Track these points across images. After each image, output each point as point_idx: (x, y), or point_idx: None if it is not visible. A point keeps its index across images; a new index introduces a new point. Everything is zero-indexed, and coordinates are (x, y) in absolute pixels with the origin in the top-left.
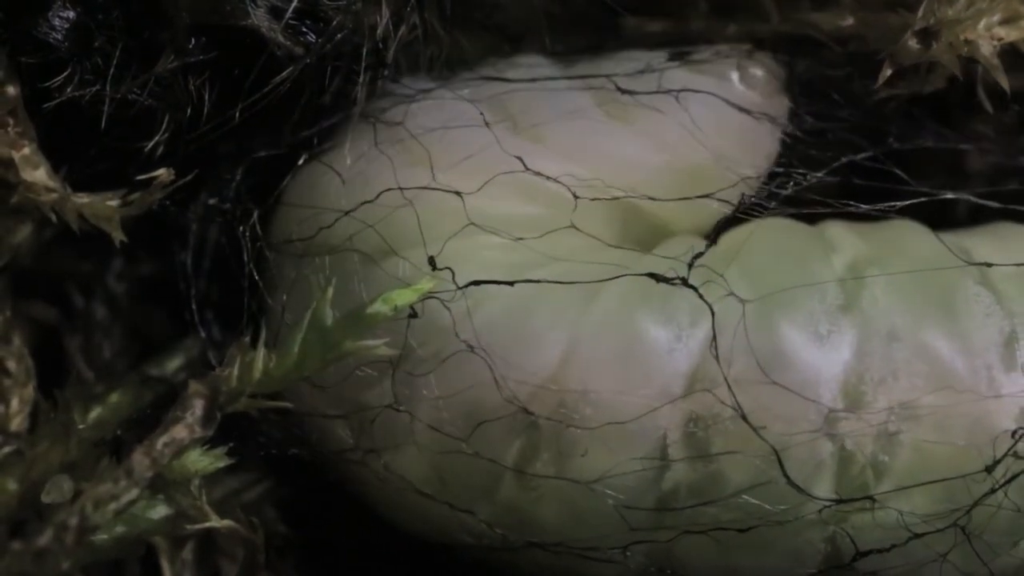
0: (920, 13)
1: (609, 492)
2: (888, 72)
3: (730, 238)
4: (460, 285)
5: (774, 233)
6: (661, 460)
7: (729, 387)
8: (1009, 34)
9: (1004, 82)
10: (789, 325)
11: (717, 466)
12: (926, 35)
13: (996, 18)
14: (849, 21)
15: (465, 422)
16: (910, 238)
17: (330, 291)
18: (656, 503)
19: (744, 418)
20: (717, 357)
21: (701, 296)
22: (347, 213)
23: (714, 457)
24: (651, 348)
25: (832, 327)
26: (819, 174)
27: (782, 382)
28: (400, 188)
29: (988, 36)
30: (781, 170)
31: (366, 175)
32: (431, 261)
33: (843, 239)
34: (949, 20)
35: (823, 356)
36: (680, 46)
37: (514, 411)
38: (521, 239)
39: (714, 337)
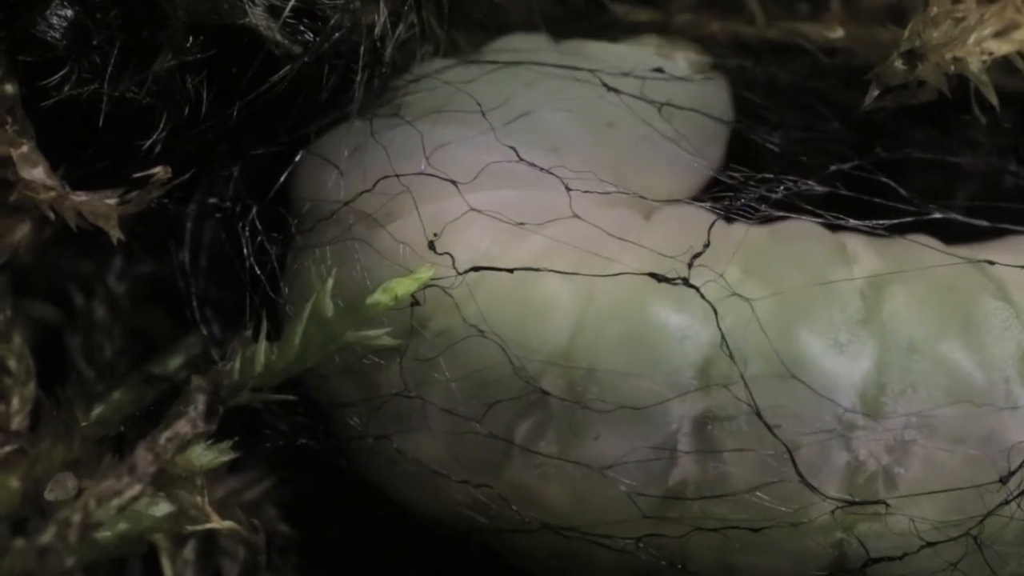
0: (905, 35)
1: (615, 477)
2: (875, 92)
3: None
4: (460, 271)
5: (795, 240)
6: (671, 452)
7: (745, 384)
8: (1000, 48)
9: (993, 98)
10: (808, 332)
11: (728, 465)
12: (912, 56)
13: (988, 31)
14: (839, 33)
15: (475, 401)
16: (928, 253)
17: (330, 282)
18: (662, 495)
19: (758, 414)
20: (730, 354)
21: (703, 296)
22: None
23: (724, 458)
24: (662, 333)
25: (852, 337)
26: (809, 182)
27: (798, 389)
28: (397, 175)
29: (978, 51)
30: (772, 176)
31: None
32: (431, 245)
33: (863, 252)
34: (934, 44)
35: (842, 365)
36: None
37: (522, 387)
38: (523, 224)
39: (722, 336)
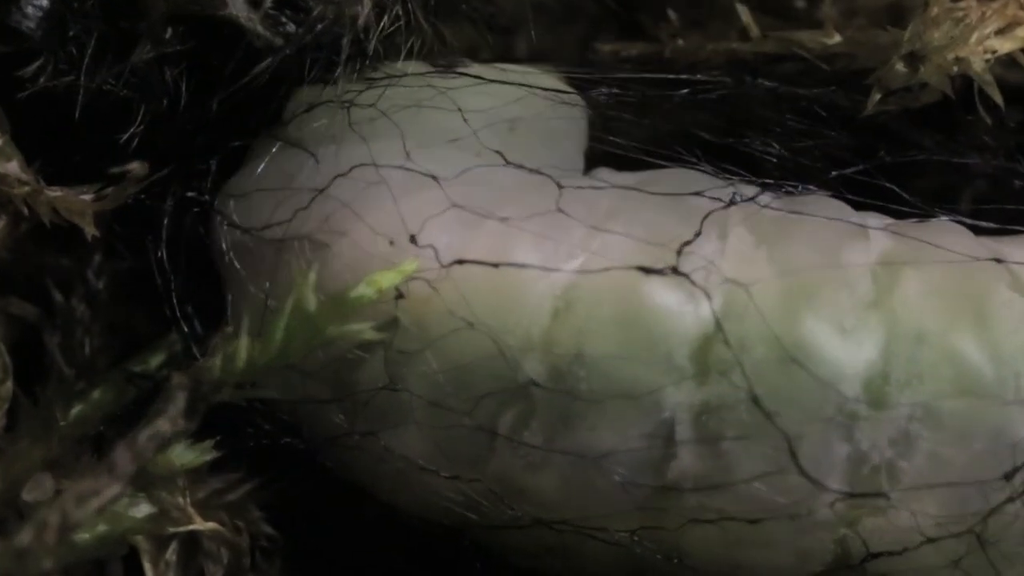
0: (906, 37)
1: (605, 466)
2: (877, 97)
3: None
4: (444, 264)
5: (813, 211)
6: (665, 441)
7: (743, 369)
8: (1003, 46)
9: (998, 98)
10: (814, 316)
11: (728, 456)
12: (913, 58)
13: (990, 30)
14: (836, 39)
15: (457, 392)
16: (948, 240)
17: (312, 276)
18: (657, 486)
19: (756, 400)
20: (726, 339)
21: (693, 282)
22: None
23: (723, 449)
24: (658, 311)
25: (858, 322)
26: (811, 187)
27: (801, 376)
28: (375, 164)
29: (980, 50)
30: (771, 181)
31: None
32: (413, 239)
33: (880, 235)
34: (936, 45)
35: (847, 351)
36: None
37: (506, 375)
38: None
39: (718, 322)
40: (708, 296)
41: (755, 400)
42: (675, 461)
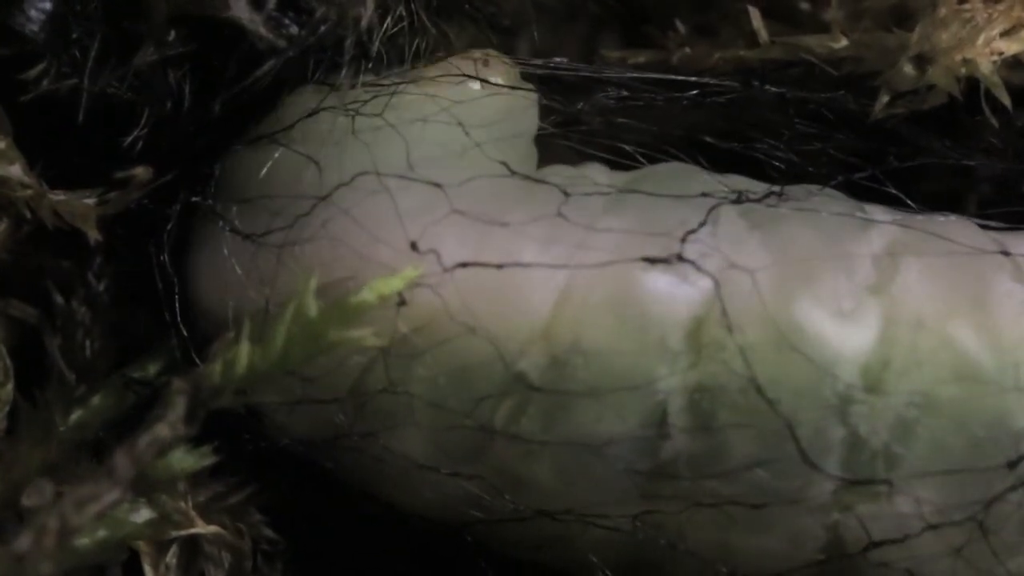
0: (914, 38)
1: (603, 452)
2: (885, 99)
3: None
4: (447, 267)
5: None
6: (660, 425)
7: (743, 354)
8: (1010, 47)
9: (1006, 99)
10: (811, 299)
11: (721, 439)
12: (921, 60)
13: (996, 31)
14: (843, 43)
15: (456, 390)
16: (954, 232)
17: (313, 281)
18: (651, 471)
19: (758, 388)
20: (730, 327)
21: (700, 268)
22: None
23: (718, 430)
24: (650, 293)
25: (857, 306)
26: (817, 192)
27: (796, 359)
28: (377, 173)
29: (987, 52)
30: (778, 189)
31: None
32: (413, 246)
33: (882, 219)
34: (944, 47)
35: (844, 335)
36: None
37: (504, 376)
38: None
39: (723, 309)
40: (716, 281)
41: (751, 381)
42: (669, 442)
